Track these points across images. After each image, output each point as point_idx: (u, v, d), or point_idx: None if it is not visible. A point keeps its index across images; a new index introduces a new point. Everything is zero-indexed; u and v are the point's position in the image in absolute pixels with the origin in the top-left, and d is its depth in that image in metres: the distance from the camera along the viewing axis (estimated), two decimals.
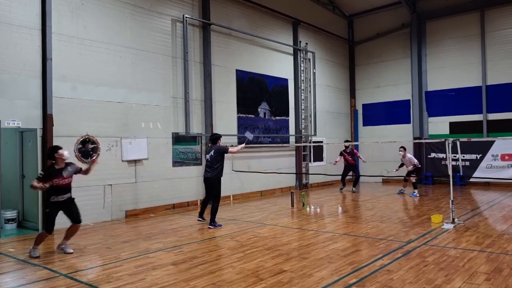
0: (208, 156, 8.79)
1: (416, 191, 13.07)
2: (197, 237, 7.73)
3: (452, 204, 8.44)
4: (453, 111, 16.53)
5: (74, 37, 9.29)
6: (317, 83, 16.82)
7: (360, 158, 14.90)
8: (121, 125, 10.17)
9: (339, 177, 14.83)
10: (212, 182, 8.65)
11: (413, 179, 13.21)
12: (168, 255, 6.42)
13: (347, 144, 14.86)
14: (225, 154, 8.69)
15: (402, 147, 13.32)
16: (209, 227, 8.48)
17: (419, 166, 13.49)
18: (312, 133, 16.29)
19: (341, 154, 14.81)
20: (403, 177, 13.63)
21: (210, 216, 8.63)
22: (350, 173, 15.29)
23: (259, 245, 6.96)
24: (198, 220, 9.20)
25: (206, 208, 9.24)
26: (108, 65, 9.92)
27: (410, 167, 13.14)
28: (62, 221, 6.95)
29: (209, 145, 9.12)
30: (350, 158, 14.63)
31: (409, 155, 13.38)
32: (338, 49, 18.61)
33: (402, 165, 13.59)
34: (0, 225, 8.57)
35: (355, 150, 14.99)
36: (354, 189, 14.70)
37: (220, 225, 8.61)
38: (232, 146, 10.14)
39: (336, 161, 14.78)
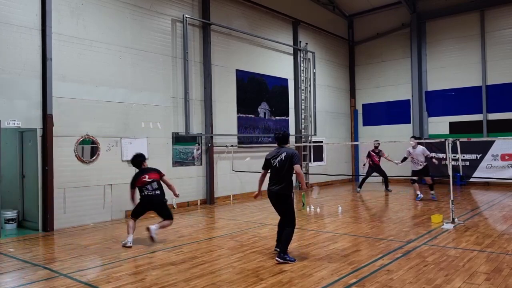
0: (276, 162, 6.20)
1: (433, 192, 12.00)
2: (197, 237, 7.73)
3: (452, 204, 8.44)
4: (453, 111, 16.53)
5: (74, 37, 9.29)
6: (317, 83, 16.82)
7: (389, 160, 13.70)
8: (121, 125, 10.17)
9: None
10: (280, 198, 6.20)
11: (429, 180, 11.95)
12: (168, 255, 6.42)
13: (376, 144, 14.23)
14: (294, 166, 6.14)
15: (412, 136, 11.65)
16: (276, 259, 5.93)
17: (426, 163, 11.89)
18: (312, 133, 16.29)
19: (368, 155, 14.27)
20: (409, 178, 12.38)
21: (281, 245, 6.10)
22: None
23: (259, 245, 6.96)
24: (275, 250, 6.40)
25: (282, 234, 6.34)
26: (108, 65, 9.92)
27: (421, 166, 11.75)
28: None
29: (276, 146, 6.46)
30: (377, 159, 14.09)
31: (421, 147, 11.83)
32: (338, 49, 18.61)
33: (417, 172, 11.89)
34: (0, 225, 8.57)
35: (382, 151, 14.23)
36: (389, 189, 14.29)
37: (294, 260, 5.92)
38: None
39: (364, 164, 14.48)
